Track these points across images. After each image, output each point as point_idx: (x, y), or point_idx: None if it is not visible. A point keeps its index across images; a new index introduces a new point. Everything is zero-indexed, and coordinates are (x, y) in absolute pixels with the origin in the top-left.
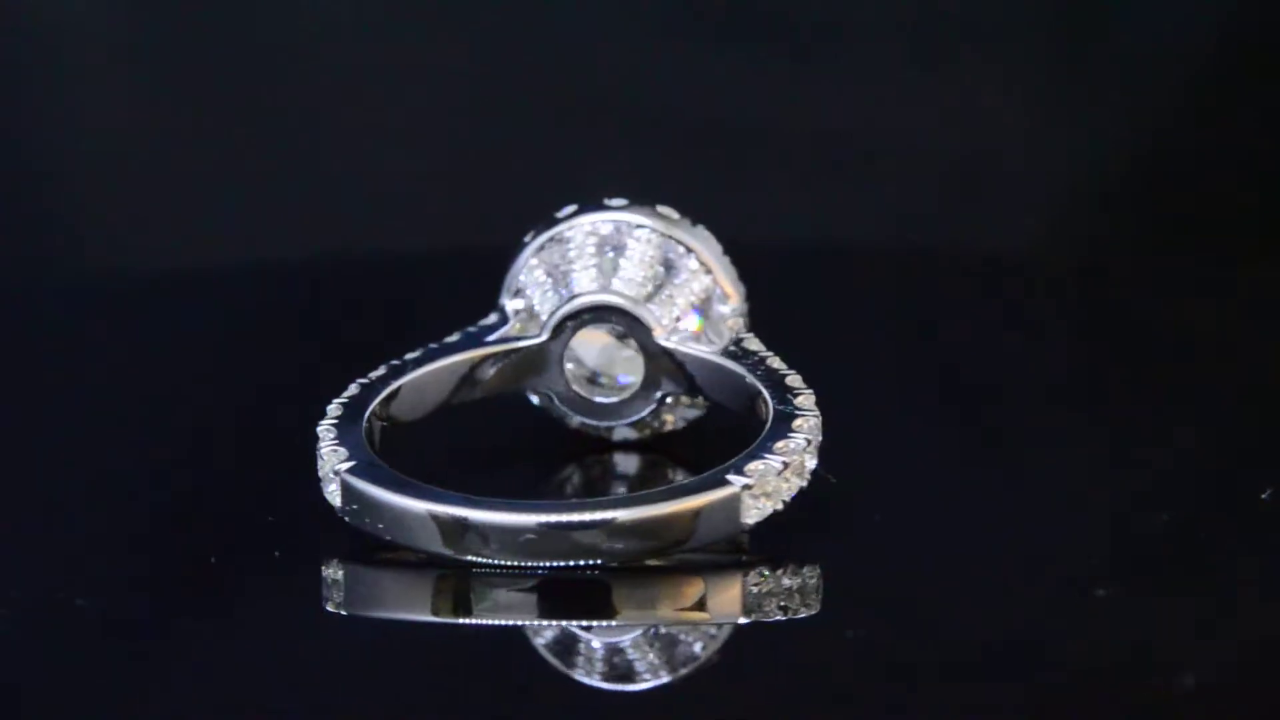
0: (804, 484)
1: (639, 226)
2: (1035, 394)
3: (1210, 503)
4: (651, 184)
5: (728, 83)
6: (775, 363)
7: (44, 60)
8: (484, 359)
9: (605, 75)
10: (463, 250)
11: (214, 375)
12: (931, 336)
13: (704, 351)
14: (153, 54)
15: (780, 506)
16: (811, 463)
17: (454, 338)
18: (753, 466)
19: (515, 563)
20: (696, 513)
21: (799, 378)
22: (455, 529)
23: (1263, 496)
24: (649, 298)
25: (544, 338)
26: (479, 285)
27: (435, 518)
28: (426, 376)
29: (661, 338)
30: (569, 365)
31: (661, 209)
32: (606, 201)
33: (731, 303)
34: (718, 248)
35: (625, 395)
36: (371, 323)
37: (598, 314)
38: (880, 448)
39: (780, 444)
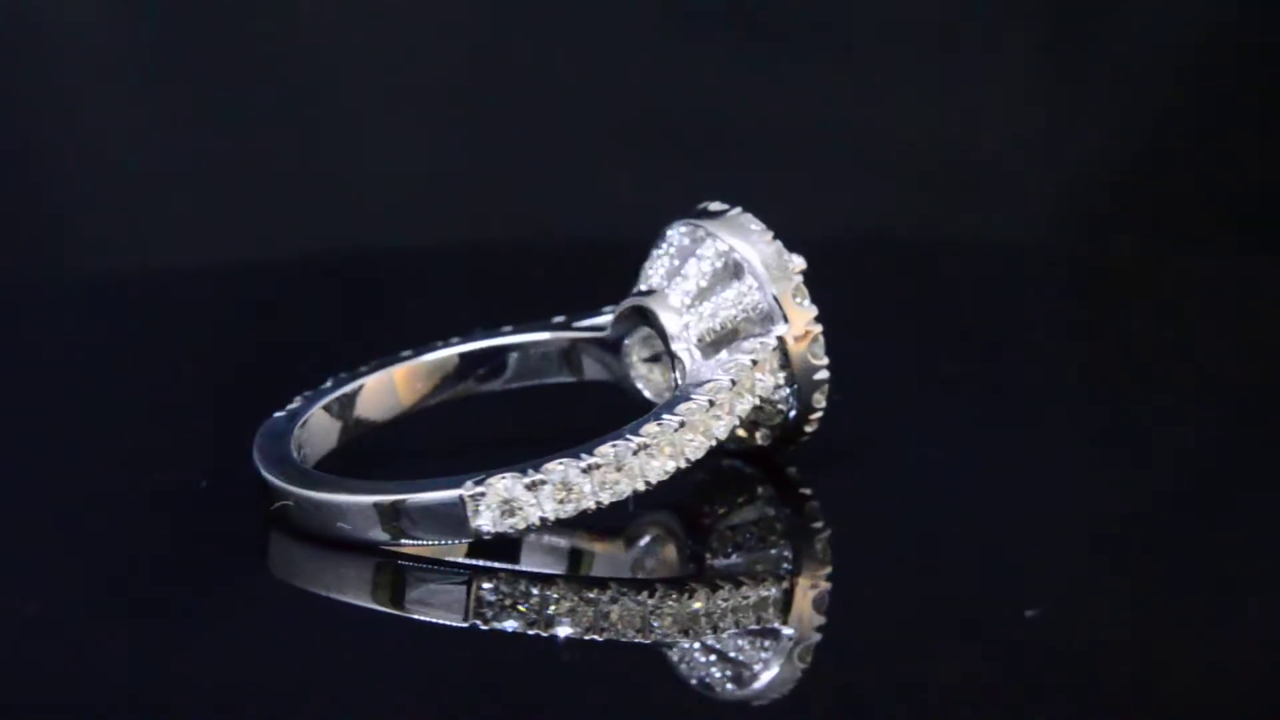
0: (589, 508)
1: (709, 234)
2: (1035, 388)
3: (1207, 499)
4: (654, 182)
5: (732, 81)
6: (717, 395)
7: (33, 58)
8: (567, 343)
9: (609, 74)
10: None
11: (214, 370)
12: (930, 331)
13: (690, 363)
14: (149, 48)
15: (537, 521)
16: (602, 492)
17: (559, 318)
18: (495, 480)
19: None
20: (413, 509)
21: (701, 409)
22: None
23: (1027, 614)
24: (690, 306)
25: (608, 331)
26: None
27: (269, 485)
28: (518, 350)
29: (677, 346)
30: (637, 360)
31: (744, 218)
32: (706, 205)
33: (789, 323)
34: (786, 265)
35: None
36: (381, 315)
37: (641, 315)
38: (882, 441)
39: (554, 464)
